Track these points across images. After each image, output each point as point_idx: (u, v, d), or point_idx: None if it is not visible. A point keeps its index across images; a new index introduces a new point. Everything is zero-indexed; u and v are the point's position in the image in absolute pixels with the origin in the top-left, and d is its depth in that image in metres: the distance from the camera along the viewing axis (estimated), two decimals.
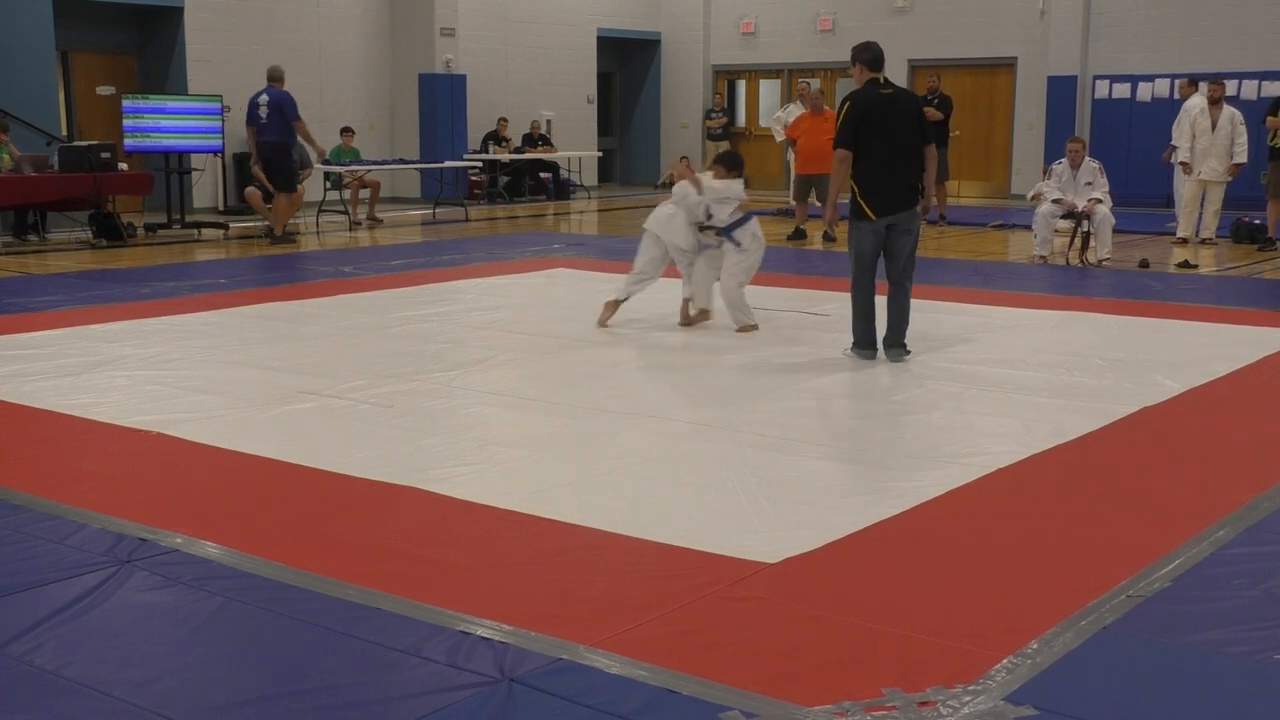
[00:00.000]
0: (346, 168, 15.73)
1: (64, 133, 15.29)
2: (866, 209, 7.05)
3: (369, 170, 16.10)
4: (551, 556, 4.03)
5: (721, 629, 3.44)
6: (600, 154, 22.20)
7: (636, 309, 9.15)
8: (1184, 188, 13.78)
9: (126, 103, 14.56)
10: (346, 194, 15.84)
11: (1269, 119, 13.22)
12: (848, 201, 7.24)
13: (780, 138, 16.21)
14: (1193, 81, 14.08)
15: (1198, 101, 13.58)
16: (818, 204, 14.48)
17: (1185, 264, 11.84)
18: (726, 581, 3.77)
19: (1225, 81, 14.15)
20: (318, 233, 14.81)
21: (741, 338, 7.94)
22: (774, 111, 22.61)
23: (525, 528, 4.30)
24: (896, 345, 7.26)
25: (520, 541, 4.18)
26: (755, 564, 3.91)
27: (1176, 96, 15.99)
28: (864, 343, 7.27)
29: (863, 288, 7.23)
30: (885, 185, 7.05)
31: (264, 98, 13.34)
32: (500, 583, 3.80)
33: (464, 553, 4.07)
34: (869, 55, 7.15)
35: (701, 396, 6.34)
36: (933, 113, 15.84)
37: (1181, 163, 13.63)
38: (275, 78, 13.53)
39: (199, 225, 14.63)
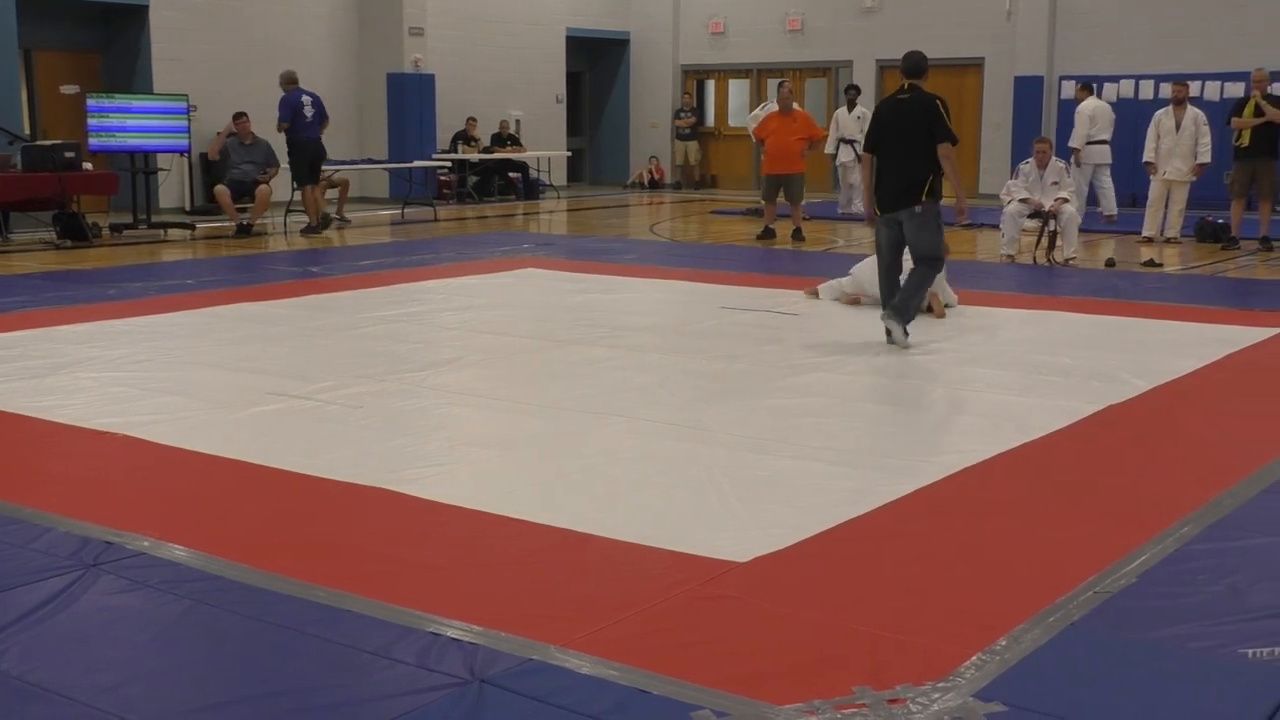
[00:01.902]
0: None
1: (27, 132, 15.15)
2: (876, 206, 7.74)
3: (337, 170, 16.02)
4: (522, 557, 4.02)
5: (692, 628, 3.44)
6: (569, 154, 22.19)
7: (609, 307, 9.15)
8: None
9: (91, 102, 14.44)
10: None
11: (1234, 119, 13.35)
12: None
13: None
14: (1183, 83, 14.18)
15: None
16: (786, 204, 14.52)
17: (1151, 263, 11.95)
18: (697, 581, 3.77)
19: (1189, 82, 14.27)
20: (285, 233, 14.73)
21: (715, 337, 7.95)
22: (745, 111, 22.70)
23: (496, 528, 4.29)
24: (890, 309, 7.62)
25: (491, 542, 4.17)
26: (726, 563, 3.92)
27: (1163, 96, 16.10)
28: (898, 315, 7.68)
29: (886, 272, 7.85)
30: (883, 184, 7.67)
31: (307, 98, 14.40)
32: (471, 583, 3.79)
33: (434, 554, 4.06)
34: (905, 64, 7.82)
35: (673, 396, 6.35)
36: None
37: (1146, 162, 13.75)
38: (294, 80, 14.57)
39: (165, 225, 14.53)
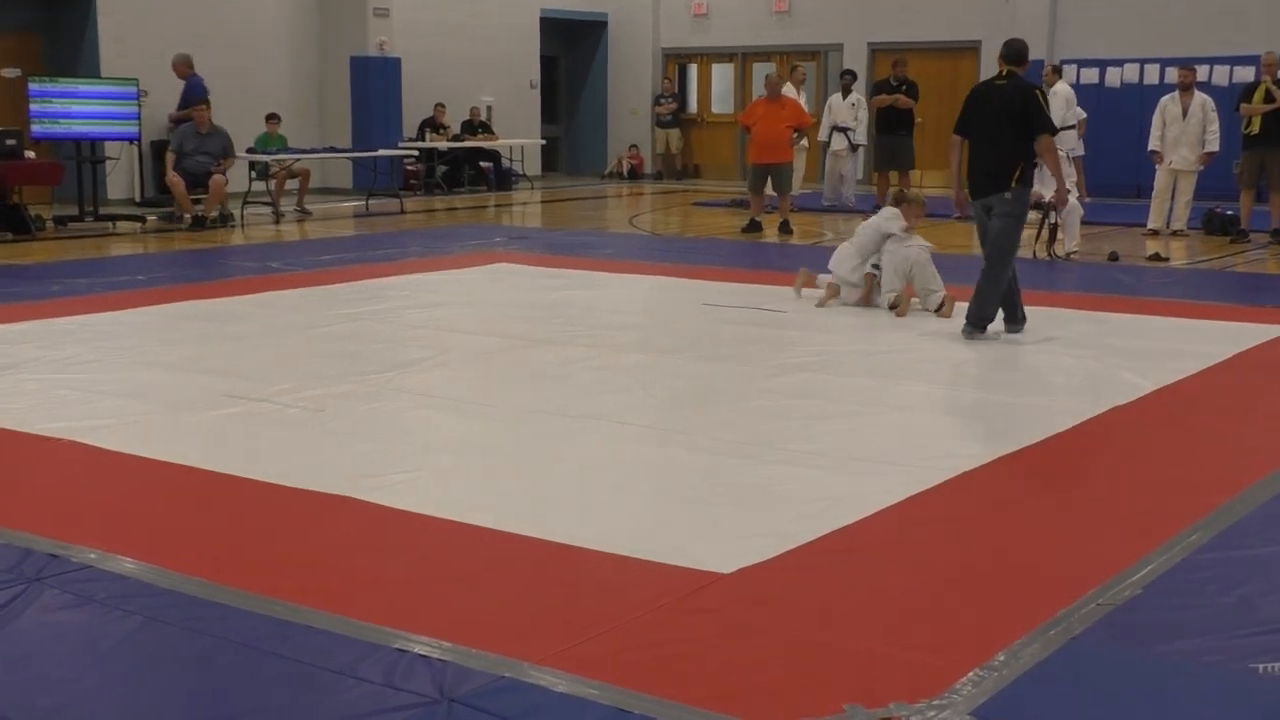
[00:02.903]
0: (273, 157, 15.60)
1: None
2: (968, 190, 7.96)
3: (297, 159, 15.98)
4: (494, 569, 4.01)
5: (674, 643, 3.44)
6: (544, 142, 22.17)
7: (586, 305, 9.15)
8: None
9: (33, 86, 14.33)
10: (273, 185, 15.70)
11: (1243, 106, 13.41)
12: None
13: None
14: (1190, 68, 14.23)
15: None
16: (773, 194, 14.54)
17: (1156, 257, 12.01)
18: (679, 593, 3.77)
19: (1196, 67, 14.35)
20: (242, 226, 14.68)
21: (697, 336, 7.95)
22: (730, 97, 22.72)
23: (466, 538, 4.28)
24: (966, 319, 7.88)
25: (460, 553, 4.16)
26: (709, 574, 3.92)
27: (1169, 81, 16.18)
28: (1012, 317, 7.96)
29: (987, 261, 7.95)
30: (974, 169, 7.89)
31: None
32: (439, 597, 3.78)
33: (400, 566, 4.05)
34: (1006, 50, 8.02)
35: (653, 398, 6.35)
36: (904, 100, 15.98)
37: (1152, 151, 13.82)
38: (192, 64, 14.32)
39: (114, 218, 14.46)
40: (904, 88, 16.07)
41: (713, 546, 4.18)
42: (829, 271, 9.24)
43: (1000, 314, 7.95)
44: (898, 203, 9.09)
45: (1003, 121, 7.72)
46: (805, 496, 4.75)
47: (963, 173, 8.04)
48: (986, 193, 7.82)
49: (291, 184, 15.99)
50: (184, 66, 14.77)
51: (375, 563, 4.06)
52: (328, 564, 4.05)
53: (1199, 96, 13.70)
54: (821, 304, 9.03)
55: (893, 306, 8.72)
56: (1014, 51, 7.96)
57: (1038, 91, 7.85)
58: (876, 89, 16.57)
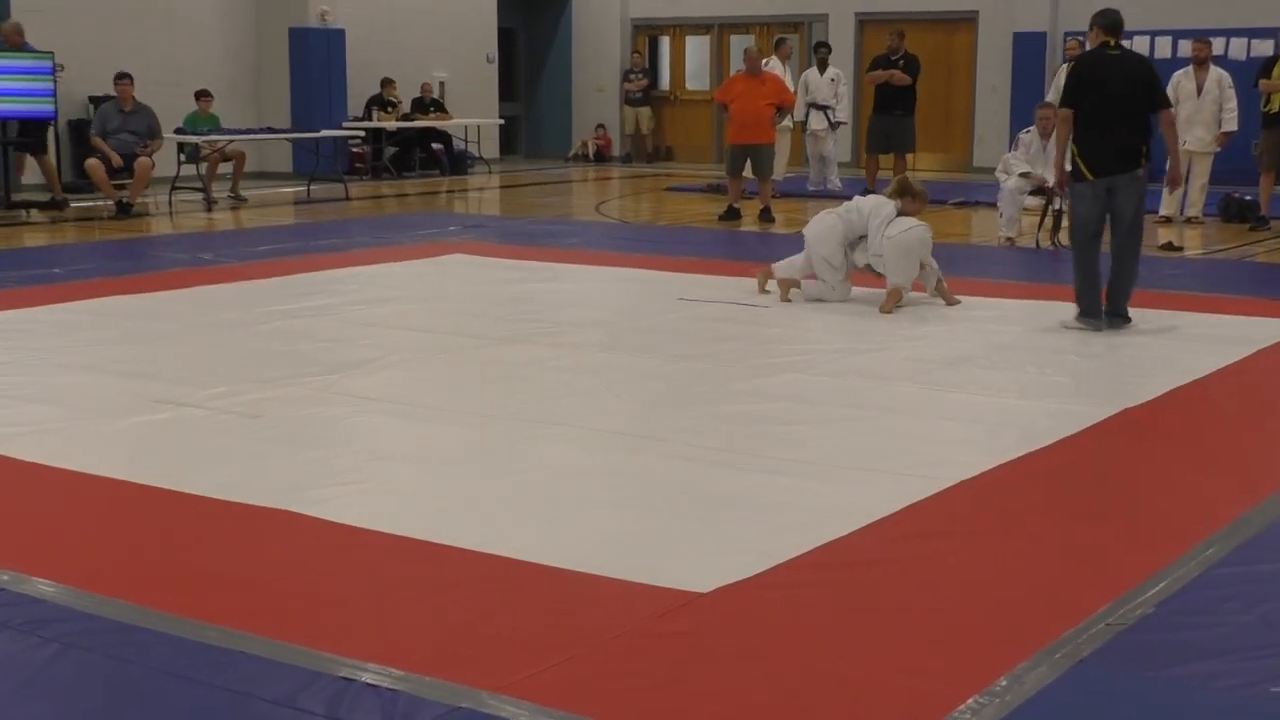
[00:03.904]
0: (204, 138, 15.51)
1: None
2: (1084, 169, 7.94)
3: (230, 141, 15.90)
4: (448, 588, 4.00)
5: (646, 669, 3.44)
6: (502, 122, 22.14)
7: (549, 300, 9.14)
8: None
9: None
10: (204, 168, 15.63)
11: (1262, 82, 13.48)
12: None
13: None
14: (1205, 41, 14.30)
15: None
16: (753, 179, 14.55)
17: (1169, 246, 12.07)
18: (651, 614, 3.77)
19: (1211, 40, 14.44)
20: (170, 214, 14.60)
21: (671, 334, 7.96)
22: (704, 72, 22.74)
23: (417, 555, 4.28)
24: (1116, 314, 8.03)
25: (412, 571, 4.15)
26: (685, 593, 3.92)
27: (1183, 55, 16.26)
28: (1093, 311, 8.02)
29: (1086, 252, 8.05)
30: (1103, 146, 7.90)
31: None
32: (388, 620, 3.77)
33: (346, 585, 4.04)
34: (1104, 20, 8.13)
35: (622, 402, 6.35)
36: (900, 76, 15.99)
37: None
38: (23, 33, 14.12)
39: (28, 205, 14.35)
40: (902, 62, 16.06)
41: (688, 563, 4.18)
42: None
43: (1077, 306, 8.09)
44: (900, 193, 8.98)
45: (1127, 95, 7.90)
46: (789, 508, 4.75)
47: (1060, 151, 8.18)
48: (1116, 171, 7.90)
49: (225, 168, 15.91)
50: (15, 35, 14.55)
51: (317, 582, 4.05)
52: (265, 584, 4.03)
53: (1214, 72, 13.79)
54: (784, 298, 8.97)
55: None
56: (1112, 21, 8.12)
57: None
58: (873, 64, 16.56)
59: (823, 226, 9.01)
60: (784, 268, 9.22)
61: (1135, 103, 7.94)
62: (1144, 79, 8.01)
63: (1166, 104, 8.15)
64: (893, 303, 8.58)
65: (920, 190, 9.13)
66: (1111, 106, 7.90)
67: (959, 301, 8.78)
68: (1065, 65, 15.11)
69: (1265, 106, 13.44)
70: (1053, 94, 15.02)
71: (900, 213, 8.80)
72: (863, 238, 8.85)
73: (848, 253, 8.92)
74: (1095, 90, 7.94)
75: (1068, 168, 8.20)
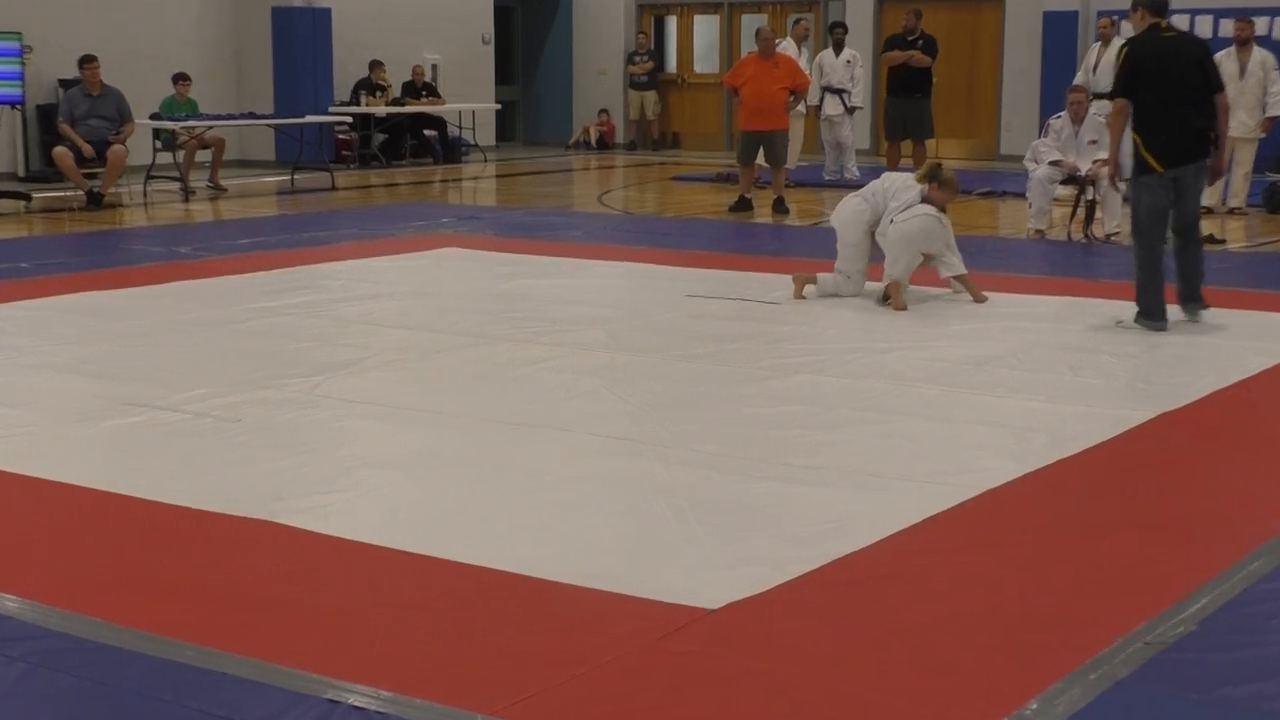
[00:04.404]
0: (181, 124, 15.52)
1: None
2: (1153, 161, 7.89)
3: (210, 127, 15.90)
4: (440, 604, 4.00)
5: (650, 691, 3.43)
6: (499, 107, 22.15)
7: (547, 296, 9.13)
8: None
9: None
10: (181, 157, 15.63)
11: None
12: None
13: None
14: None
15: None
16: (766, 167, 14.55)
17: (1210, 238, 12.02)
18: (655, 633, 3.76)
19: (1254, 19, 14.41)
20: (145, 204, 14.61)
21: (677, 333, 7.96)
22: (713, 54, 22.73)
23: (407, 568, 4.27)
24: (1194, 299, 8.12)
25: (401, 586, 4.15)
26: (690, 610, 3.91)
27: (1224, 35, 16.25)
28: (1156, 312, 7.98)
29: (1152, 249, 8.01)
30: (1171, 135, 7.89)
31: None
32: (376, 638, 3.77)
33: (330, 601, 4.03)
34: (1150, 1, 8.09)
35: (626, 405, 6.34)
36: (920, 58, 15.99)
37: None
38: None
39: None
40: (920, 43, 16.06)
41: (695, 578, 4.17)
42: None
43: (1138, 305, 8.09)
44: (929, 178, 8.90)
45: (1188, 79, 7.92)
46: (803, 519, 4.74)
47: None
48: (1186, 160, 7.91)
49: (203, 156, 15.92)
50: None
51: (301, 598, 4.04)
52: (244, 600, 4.02)
53: (1258, 53, 13.76)
54: (798, 295, 8.93)
55: (886, 298, 8.65)
56: (1158, 2, 8.12)
57: None
58: (888, 44, 16.56)
59: (849, 211, 9.03)
60: (829, 283, 9.11)
61: (1197, 87, 7.95)
62: (1200, 60, 8.04)
63: (1221, 87, 8.15)
64: (897, 298, 8.57)
65: (950, 179, 9.05)
66: (1175, 93, 7.89)
67: (986, 298, 8.77)
68: (1097, 45, 15.13)
69: None
70: (1081, 75, 15.03)
71: (924, 199, 8.78)
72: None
73: (874, 240, 8.92)
74: (1156, 77, 7.91)
75: (1124, 159, 8.20)
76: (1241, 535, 4.58)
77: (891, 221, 8.70)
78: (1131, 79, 7.98)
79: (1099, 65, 15.11)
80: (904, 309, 8.48)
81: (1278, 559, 4.36)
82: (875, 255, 8.94)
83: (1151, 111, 7.92)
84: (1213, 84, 8.05)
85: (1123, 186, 9.07)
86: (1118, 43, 15.05)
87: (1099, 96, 14.69)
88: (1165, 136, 7.89)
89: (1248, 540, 4.52)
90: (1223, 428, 6.10)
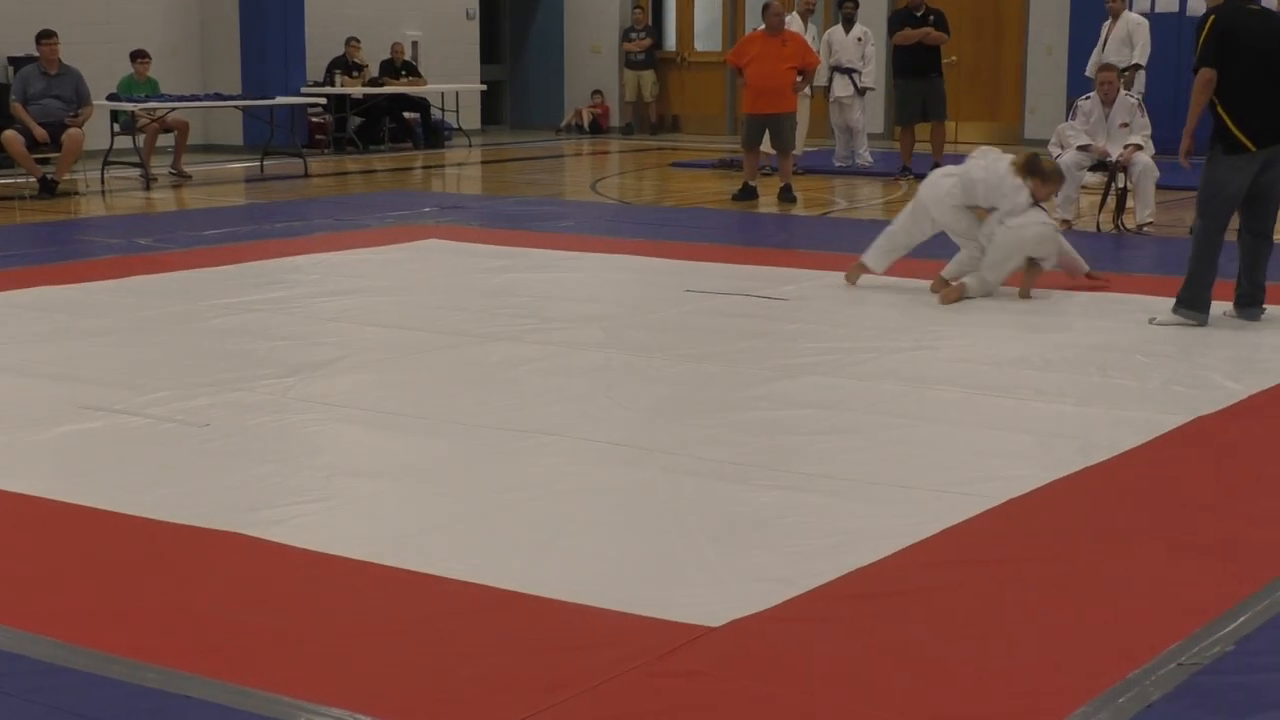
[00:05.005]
0: (141, 105, 15.52)
1: None
2: (1243, 139, 7.90)
3: (172, 109, 15.90)
4: (424, 623, 4.01)
5: (652, 714, 3.45)
6: (484, 88, 22.16)
7: (538, 291, 9.14)
8: None
9: None
10: (141, 141, 15.63)
11: None
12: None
13: None
14: None
15: None
16: (772, 153, 14.55)
17: None
18: (656, 652, 3.77)
19: None
20: (103, 192, 14.61)
21: (677, 330, 7.97)
22: (716, 30, 22.74)
23: (389, 585, 4.28)
24: (1257, 304, 8.20)
25: (382, 603, 4.15)
26: (694, 628, 3.92)
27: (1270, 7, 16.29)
28: (1200, 303, 8.02)
29: (1216, 234, 8.06)
30: (1265, 111, 7.92)
31: None
32: (354, 658, 3.77)
33: (307, 619, 4.04)
34: None
35: (623, 409, 6.35)
36: (936, 35, 16.00)
37: None
38: None
39: None
40: (932, 18, 16.06)
41: (699, 593, 4.18)
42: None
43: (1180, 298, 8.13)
44: (1029, 173, 8.90)
45: (1274, 57, 7.93)
46: (814, 530, 4.76)
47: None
48: (1276, 141, 7.95)
49: (165, 140, 15.92)
50: None
51: (274, 616, 4.05)
52: (212, 618, 4.03)
53: None
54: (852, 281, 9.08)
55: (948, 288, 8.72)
56: None
57: None
58: (896, 20, 16.53)
59: (943, 194, 9.01)
60: (875, 256, 9.21)
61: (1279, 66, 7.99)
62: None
63: None
64: (954, 296, 8.65)
65: (1054, 169, 9.19)
66: (1267, 69, 7.92)
67: (1029, 296, 8.79)
68: (1108, 21, 15.17)
69: None
70: (1095, 55, 15.07)
71: (1032, 197, 8.86)
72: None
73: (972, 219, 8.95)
74: (1247, 52, 7.92)
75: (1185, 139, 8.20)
76: None
77: (1001, 223, 8.76)
78: (1218, 52, 7.93)
79: (1107, 42, 15.17)
80: (954, 302, 8.62)
81: None
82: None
83: (1241, 88, 7.91)
84: None
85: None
86: (1128, 17, 15.13)
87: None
88: (1258, 113, 7.92)
89: None
90: (1261, 433, 6.11)
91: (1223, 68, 7.92)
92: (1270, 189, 8.05)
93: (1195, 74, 8.02)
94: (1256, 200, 8.06)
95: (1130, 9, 18.39)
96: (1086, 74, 15.46)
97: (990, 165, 8.98)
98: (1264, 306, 8.20)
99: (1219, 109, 7.96)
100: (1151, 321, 8.09)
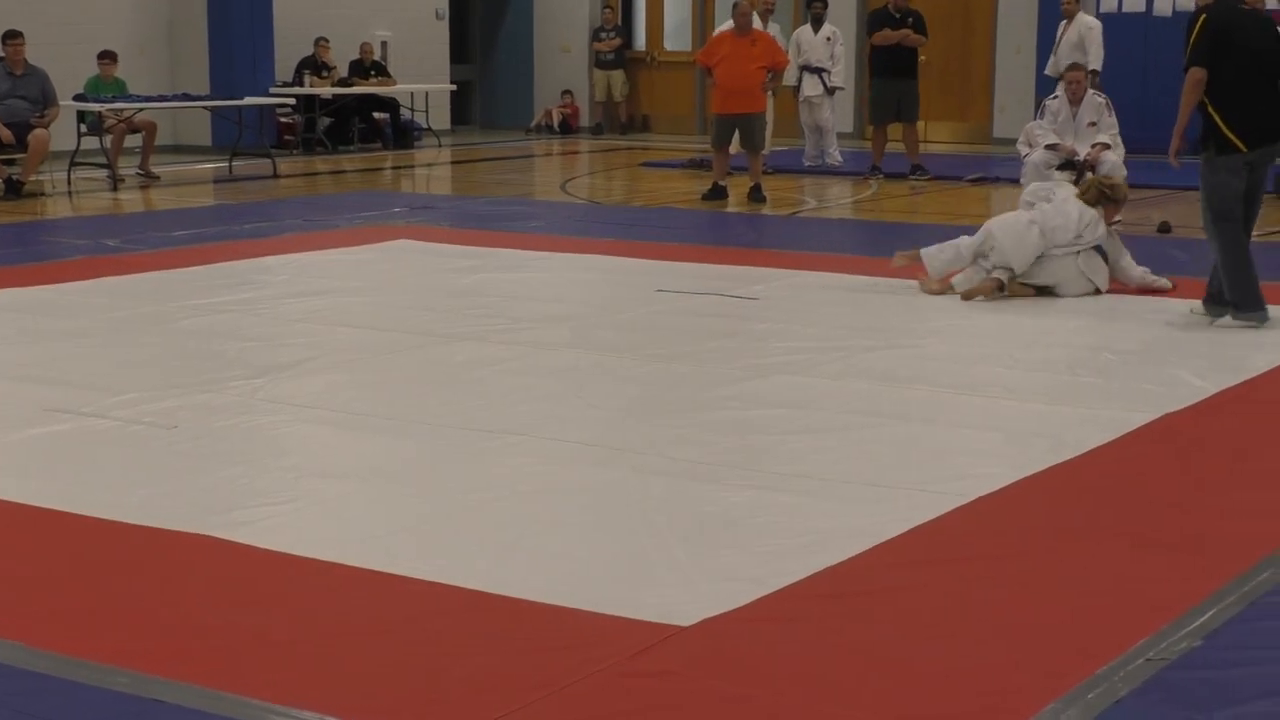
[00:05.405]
0: (108, 106, 15.45)
1: None
2: (1236, 140, 7.86)
3: (140, 109, 15.83)
4: (394, 624, 4.00)
5: (623, 714, 3.45)
6: (454, 88, 22.11)
7: (508, 291, 9.13)
8: None
9: None
10: (108, 141, 15.56)
11: None
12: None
13: None
14: None
15: None
16: (742, 152, 14.57)
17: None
18: (626, 652, 3.78)
19: None
20: (69, 193, 14.54)
21: (647, 330, 7.97)
22: (686, 30, 22.76)
23: (359, 586, 4.27)
24: (1227, 302, 8.03)
25: (352, 605, 4.15)
26: (665, 627, 3.93)
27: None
28: (1255, 301, 7.97)
29: (1236, 233, 7.98)
30: (1256, 112, 7.90)
31: None
32: (326, 660, 3.77)
33: (278, 622, 4.03)
34: None
35: (593, 409, 6.35)
36: (914, 37, 16.04)
37: None
38: None
39: None
40: (910, 20, 16.10)
41: (669, 593, 4.19)
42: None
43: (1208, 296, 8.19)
44: (1099, 199, 9.00)
45: (1267, 57, 7.93)
46: (784, 530, 4.76)
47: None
48: (1268, 141, 7.97)
49: (133, 141, 15.85)
50: None
51: (245, 618, 4.04)
52: (183, 621, 4.02)
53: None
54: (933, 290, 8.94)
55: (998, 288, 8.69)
56: None
57: None
58: (875, 21, 16.54)
59: (1016, 234, 8.85)
60: (935, 258, 9.08)
61: (1273, 65, 7.98)
62: (1273, 36, 8.06)
63: None
64: (985, 290, 8.69)
65: (1120, 193, 9.31)
66: (1259, 69, 7.92)
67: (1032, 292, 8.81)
68: (1063, 22, 15.25)
69: None
70: (1053, 57, 15.18)
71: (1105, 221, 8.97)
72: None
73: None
74: (1240, 51, 7.87)
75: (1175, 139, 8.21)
76: (1248, 545, 4.61)
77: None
78: (1210, 51, 7.86)
79: (1060, 43, 15.26)
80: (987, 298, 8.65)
81: None
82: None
83: (1233, 87, 7.86)
84: None
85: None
86: (1081, 20, 15.22)
87: (1062, 77, 14.86)
88: (1249, 114, 7.88)
89: (1254, 550, 4.56)
90: (1229, 430, 6.14)
91: (1214, 67, 7.85)
92: (1255, 190, 8.06)
93: (1186, 73, 7.96)
94: (1245, 200, 8.03)
95: (1097, 9, 18.53)
96: (1046, 72, 15.59)
97: (1067, 203, 9.01)
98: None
99: (1210, 109, 7.92)
100: (1213, 323, 8.02)
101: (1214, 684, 3.61)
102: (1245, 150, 7.87)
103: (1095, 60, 15.07)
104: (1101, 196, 9.08)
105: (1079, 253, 8.81)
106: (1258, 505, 5.11)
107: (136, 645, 3.84)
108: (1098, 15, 18.83)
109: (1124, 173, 12.25)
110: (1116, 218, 9.34)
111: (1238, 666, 3.71)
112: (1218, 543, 4.69)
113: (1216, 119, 7.89)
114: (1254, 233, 8.43)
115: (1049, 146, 12.19)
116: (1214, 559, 4.50)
